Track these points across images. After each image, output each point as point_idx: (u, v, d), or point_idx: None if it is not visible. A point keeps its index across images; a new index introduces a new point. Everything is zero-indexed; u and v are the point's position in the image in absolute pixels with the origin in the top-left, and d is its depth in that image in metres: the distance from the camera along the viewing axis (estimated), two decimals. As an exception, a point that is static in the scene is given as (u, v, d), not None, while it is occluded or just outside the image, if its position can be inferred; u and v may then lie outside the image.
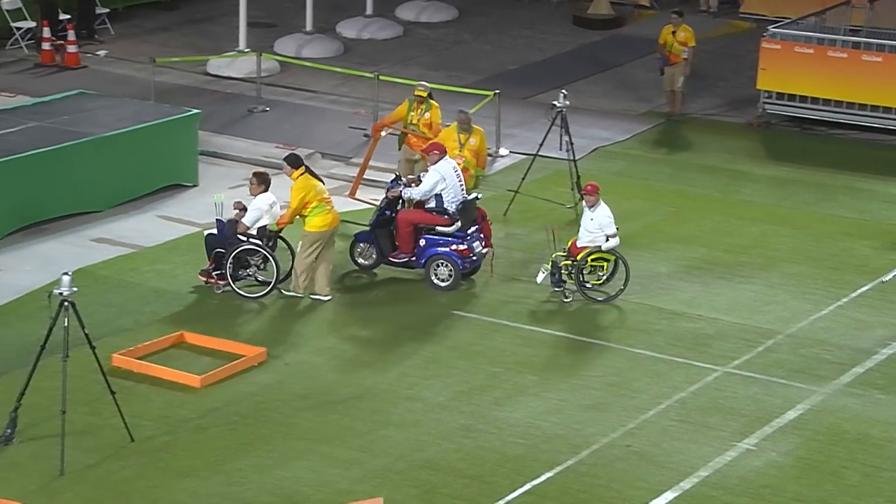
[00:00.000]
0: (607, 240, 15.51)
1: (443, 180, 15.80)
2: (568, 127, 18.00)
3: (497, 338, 14.78)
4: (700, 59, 23.22)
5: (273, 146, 20.19)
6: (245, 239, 15.22)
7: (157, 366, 13.66)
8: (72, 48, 23.46)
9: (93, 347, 12.09)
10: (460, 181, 16.03)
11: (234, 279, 15.22)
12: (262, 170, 15.89)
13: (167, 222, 17.40)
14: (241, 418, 12.87)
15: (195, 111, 19.32)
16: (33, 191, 16.96)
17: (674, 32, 22.05)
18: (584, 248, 15.54)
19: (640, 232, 17.76)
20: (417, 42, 26.26)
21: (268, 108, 21.88)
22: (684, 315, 15.46)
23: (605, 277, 15.65)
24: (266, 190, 15.38)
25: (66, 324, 11.79)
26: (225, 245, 15.20)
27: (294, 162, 15.43)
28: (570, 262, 15.48)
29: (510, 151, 20.33)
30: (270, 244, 15.37)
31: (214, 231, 15.43)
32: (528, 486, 11.99)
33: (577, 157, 18.16)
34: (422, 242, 15.83)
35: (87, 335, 12.05)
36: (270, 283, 15.24)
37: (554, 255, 15.61)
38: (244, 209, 15.34)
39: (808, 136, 21.87)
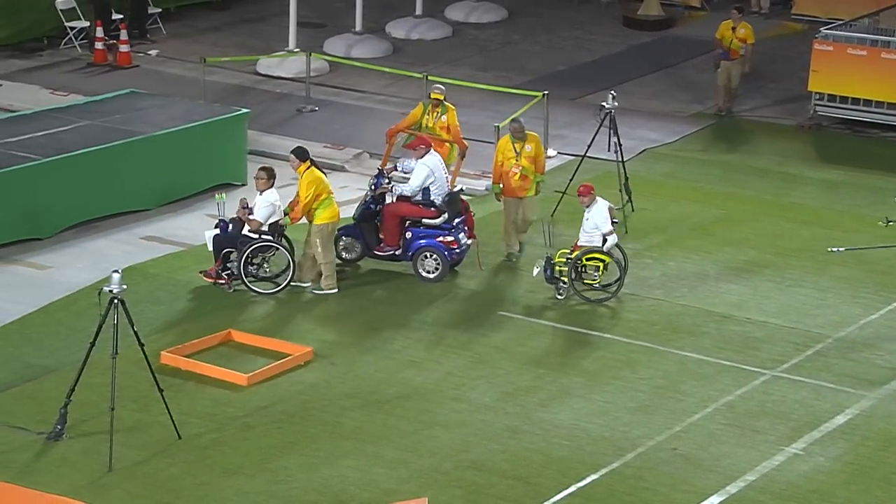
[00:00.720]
0: (605, 240, 15.41)
1: (431, 174, 15.95)
2: (616, 128, 17.94)
3: (543, 339, 14.76)
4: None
5: (321, 146, 20.26)
6: (257, 236, 15.19)
7: (204, 364, 13.74)
8: (124, 48, 23.65)
9: (141, 345, 12.18)
10: (446, 174, 16.24)
11: (247, 276, 15.21)
12: (268, 164, 15.88)
13: (216, 221, 17.47)
14: (288, 417, 12.93)
15: (245, 110, 19.43)
16: (85, 189, 17.12)
17: (733, 28, 22.02)
18: (582, 246, 15.53)
19: (689, 234, 17.68)
20: (466, 42, 26.26)
21: (317, 108, 21.96)
22: (733, 318, 15.37)
23: (600, 277, 15.50)
24: (273, 185, 15.35)
25: (115, 321, 11.88)
26: (234, 244, 15.18)
27: (302, 155, 15.39)
28: (564, 260, 15.46)
29: (558, 152, 20.29)
30: (281, 239, 15.41)
31: (217, 231, 15.38)
32: (573, 488, 11.97)
33: (625, 159, 18.09)
34: (408, 235, 15.92)
35: (135, 332, 12.15)
36: (282, 277, 15.29)
37: (549, 252, 15.68)
38: (247, 207, 15.28)
39: (860, 139, 21.68)
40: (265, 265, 15.39)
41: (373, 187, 16.29)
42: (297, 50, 23.34)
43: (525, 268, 16.37)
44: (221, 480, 11.82)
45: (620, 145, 17.91)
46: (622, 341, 14.77)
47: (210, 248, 15.35)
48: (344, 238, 16.19)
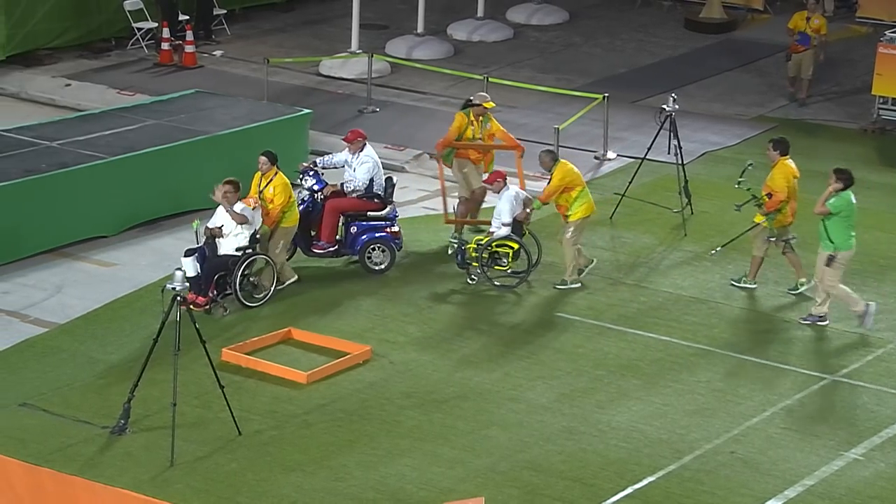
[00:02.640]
0: (500, 228, 15.57)
1: (376, 165, 15.93)
2: (677, 131, 17.82)
3: (601, 341, 14.70)
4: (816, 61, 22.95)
5: (382, 146, 20.30)
6: (244, 252, 14.80)
7: (264, 361, 13.82)
8: (189, 48, 23.84)
9: (203, 342, 12.28)
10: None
11: (242, 293, 14.84)
12: (234, 178, 15.10)
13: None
14: (347, 415, 12.97)
15: (307, 111, 19.52)
16: (149, 187, 17.28)
17: (808, 19, 22.00)
18: (492, 233, 15.66)
19: (750, 238, 17.52)
20: (528, 44, 26.21)
21: (378, 109, 22.01)
22: (793, 322, 15.23)
23: (508, 264, 15.60)
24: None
25: (178, 318, 11.99)
26: (226, 266, 14.73)
27: (274, 158, 15.27)
28: (475, 246, 15.55)
29: (618, 155, 20.21)
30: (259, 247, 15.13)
31: (193, 258, 14.62)
32: (630, 490, 11.92)
33: (685, 161, 17.98)
34: (353, 229, 15.80)
35: (197, 330, 12.25)
36: (268, 287, 15.03)
37: (459, 239, 15.80)
38: (220, 232, 14.79)
39: (923, 143, 21.41)
40: (253, 278, 15.04)
41: (315, 188, 15.88)
42: (360, 51, 23.41)
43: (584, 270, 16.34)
44: (281, 477, 11.88)
45: (680, 148, 17.79)
46: (681, 344, 14.69)
47: (191, 274, 14.46)
48: None
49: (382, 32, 25.92)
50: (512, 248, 15.60)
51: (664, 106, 17.94)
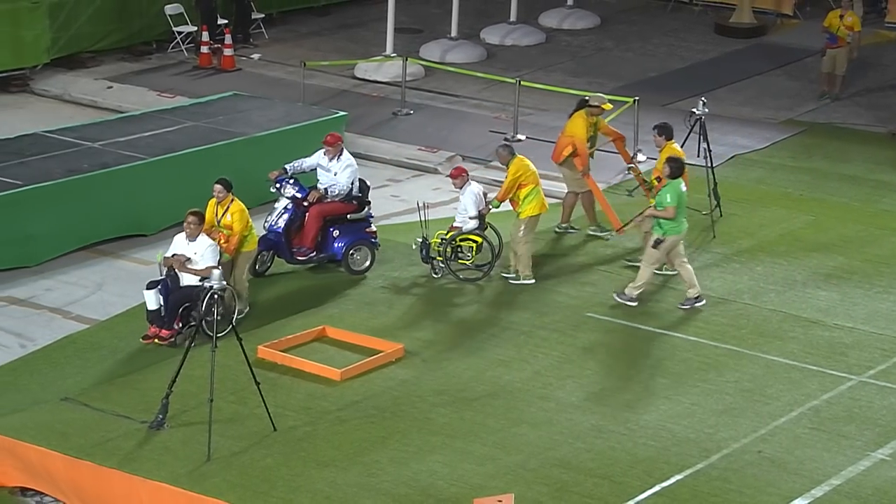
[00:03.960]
0: (467, 222, 15.66)
1: (355, 167, 15.79)
2: (706, 134, 17.76)
3: (630, 341, 14.65)
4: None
5: (416, 148, 20.34)
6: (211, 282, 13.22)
7: (299, 358, 13.85)
8: (228, 52, 23.95)
9: (239, 339, 12.31)
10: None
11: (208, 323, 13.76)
12: (196, 209, 14.30)
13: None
14: (379, 412, 12.98)
15: (342, 113, 19.57)
16: (189, 187, 17.32)
17: (841, 17, 22.12)
18: (456, 227, 15.69)
19: (778, 239, 17.45)
20: (559, 49, 26.17)
21: (412, 112, 22.03)
22: (820, 323, 15.14)
23: (472, 258, 15.70)
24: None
25: (215, 315, 12.02)
26: (191, 298, 13.81)
27: (231, 186, 14.46)
28: (439, 240, 15.56)
29: (647, 157, 20.15)
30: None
31: (156, 290, 13.91)
32: (657, 488, 11.87)
33: (714, 164, 17.91)
34: (336, 233, 15.64)
35: (234, 327, 12.28)
36: (232, 314, 13.68)
37: (423, 234, 15.71)
38: (181, 260, 13.95)
39: (952, 147, 21.24)
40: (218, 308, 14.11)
41: (298, 195, 15.53)
42: (395, 55, 23.44)
43: (613, 270, 16.30)
44: (315, 472, 11.91)
45: (710, 151, 17.73)
46: (709, 344, 14.62)
47: (153, 307, 13.89)
48: (262, 253, 15.41)
49: (417, 36, 25.94)
50: (475, 241, 15.68)
51: (694, 109, 17.88)
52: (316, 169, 16.03)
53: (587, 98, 17.18)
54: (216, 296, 12.08)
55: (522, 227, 15.69)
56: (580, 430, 12.76)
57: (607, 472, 12.08)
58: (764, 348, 14.51)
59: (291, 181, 15.73)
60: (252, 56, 24.78)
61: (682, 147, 18.00)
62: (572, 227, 17.32)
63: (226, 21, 24.78)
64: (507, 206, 15.95)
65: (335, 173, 15.84)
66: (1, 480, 12.08)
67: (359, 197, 15.89)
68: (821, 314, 15.35)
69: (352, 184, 15.81)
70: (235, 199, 14.47)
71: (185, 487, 11.47)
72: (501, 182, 16.09)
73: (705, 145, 17.67)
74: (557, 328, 14.88)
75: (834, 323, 15.14)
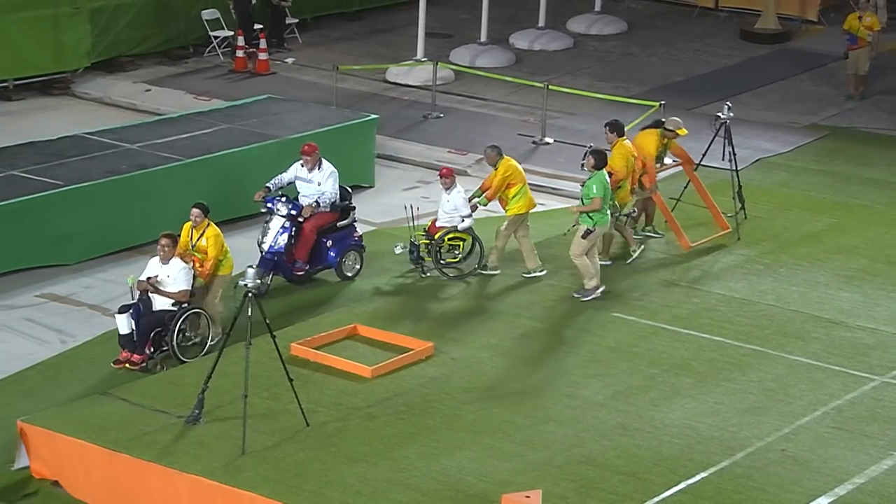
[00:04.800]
0: (462, 221, 15.63)
1: (336, 174, 15.54)
2: (731, 138, 17.68)
3: (655, 340, 14.61)
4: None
5: (445, 151, 20.33)
6: (183, 306, 13.64)
7: (331, 356, 13.86)
8: (263, 56, 24.02)
9: (273, 337, 12.34)
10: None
11: (178, 348, 13.65)
12: (170, 232, 13.98)
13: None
14: (409, 408, 12.98)
15: (374, 116, 19.59)
16: (224, 188, 17.40)
17: (860, 18, 22.18)
18: (443, 227, 15.64)
19: (801, 242, 17.36)
20: (587, 53, 26.12)
21: (442, 115, 22.04)
22: (843, 324, 15.05)
23: (461, 256, 15.76)
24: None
25: (249, 313, 12.06)
26: (163, 322, 13.54)
27: (208, 210, 14.05)
28: (428, 241, 15.55)
29: (673, 161, 20.07)
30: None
31: (128, 314, 13.55)
32: (682, 485, 11.83)
33: (739, 168, 17.83)
34: (328, 242, 15.47)
35: (268, 325, 12.31)
36: (206, 340, 13.91)
37: (412, 236, 15.66)
38: (154, 283, 13.62)
39: (974, 151, 21.08)
40: (189, 333, 13.84)
41: (293, 212, 15.20)
42: (425, 59, 23.45)
43: (640, 270, 16.25)
44: (345, 467, 11.92)
45: (734, 154, 17.65)
46: (733, 344, 14.56)
47: (125, 332, 13.54)
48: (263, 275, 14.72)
49: (447, 41, 25.94)
50: (463, 239, 15.73)
51: (719, 114, 17.81)
52: (294, 182, 15.67)
53: (662, 119, 17.19)
54: (250, 294, 12.09)
55: (506, 223, 15.89)
56: (606, 428, 12.73)
57: (632, 469, 12.05)
58: (787, 348, 14.44)
59: (283, 199, 15.37)
60: (286, 60, 24.83)
61: (707, 151, 18.00)
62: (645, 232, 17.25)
63: (261, 26, 24.85)
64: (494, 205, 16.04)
65: (318, 183, 15.52)
66: (42, 473, 12.16)
67: (344, 204, 15.71)
68: (843, 315, 15.26)
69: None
70: (211, 223, 14.03)
71: (220, 480, 11.50)
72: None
73: (730, 149, 17.59)
74: (584, 328, 14.84)
75: (856, 324, 15.05)
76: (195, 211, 14.01)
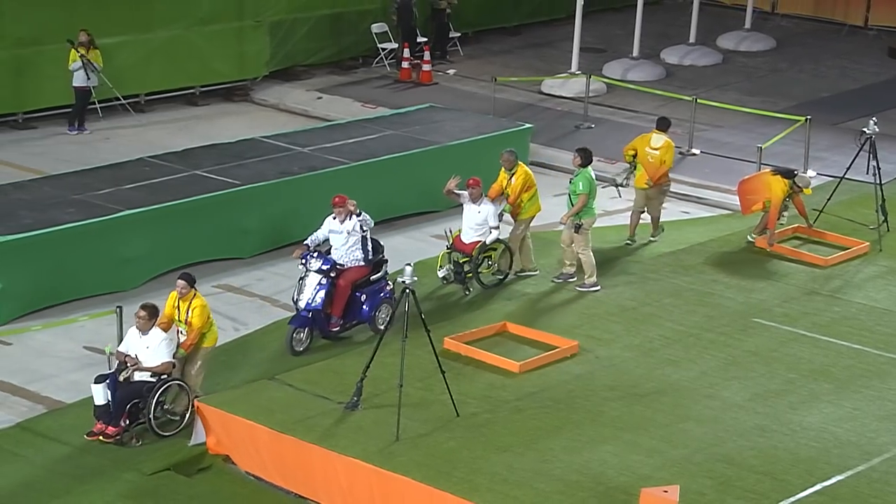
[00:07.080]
0: (490, 233, 15.28)
1: (370, 220, 14.35)
2: (876, 152, 17.15)
3: (795, 346, 14.25)
4: None
5: (596, 159, 20.10)
6: (159, 378, 12.39)
7: (482, 351, 13.88)
8: (426, 67, 24.21)
9: (428, 331, 12.41)
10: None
11: (155, 421, 12.36)
12: (149, 302, 12.60)
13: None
14: (554, 403, 12.92)
15: (528, 125, 19.56)
16: (387, 190, 17.59)
17: None
18: (475, 242, 15.30)
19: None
20: (735, 69, 25.64)
21: (593, 125, 21.89)
22: (984, 337, 14.46)
23: (495, 266, 15.45)
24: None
25: (406, 308, 12.15)
26: (140, 394, 12.29)
27: (194, 280, 12.74)
28: (468, 259, 15.21)
29: (818, 173, 19.56)
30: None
31: (104, 385, 12.29)
32: (818, 487, 11.51)
33: (883, 182, 17.28)
34: (363, 297, 14.23)
35: (423, 320, 12.39)
36: (184, 414, 12.56)
37: (452, 257, 15.33)
38: (132, 361, 12.35)
39: None
40: (168, 405, 12.57)
41: (325, 267, 13.98)
42: (579, 72, 23.34)
43: (771, 276, 15.88)
44: (493, 456, 11.92)
45: (879, 169, 17.12)
46: (872, 353, 14.11)
47: (100, 402, 12.26)
48: (298, 330, 13.90)
49: (600, 55, 25.76)
50: (494, 249, 15.49)
51: (865, 129, 17.29)
52: (328, 238, 14.44)
53: (796, 171, 16.89)
54: (407, 291, 12.17)
55: (521, 227, 15.70)
56: (744, 429, 12.47)
57: (769, 469, 11.77)
58: (927, 359, 13.94)
59: (315, 255, 14.13)
60: (448, 71, 24.99)
61: (851, 164, 17.48)
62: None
63: (425, 39, 25.06)
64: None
65: (347, 232, 14.26)
66: (216, 449, 12.46)
67: (378, 258, 14.53)
68: (985, 328, 14.66)
69: (365, 237, 14.33)
70: (198, 293, 12.71)
71: (375, 464, 11.62)
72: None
73: (874, 163, 17.07)
74: (725, 332, 14.57)
75: None
76: (180, 282, 12.64)
